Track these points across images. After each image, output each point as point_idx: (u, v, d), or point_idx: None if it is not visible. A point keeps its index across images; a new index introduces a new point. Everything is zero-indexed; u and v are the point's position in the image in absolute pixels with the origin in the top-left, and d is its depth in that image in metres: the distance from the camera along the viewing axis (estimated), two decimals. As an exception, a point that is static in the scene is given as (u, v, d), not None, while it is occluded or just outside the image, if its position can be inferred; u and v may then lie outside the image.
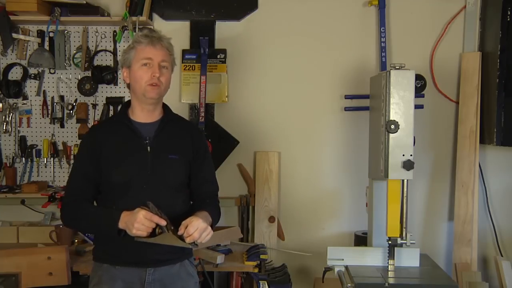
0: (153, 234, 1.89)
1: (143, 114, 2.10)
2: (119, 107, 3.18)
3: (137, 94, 2.07)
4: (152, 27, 3.16)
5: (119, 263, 2.05)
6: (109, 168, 2.04)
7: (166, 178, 2.07)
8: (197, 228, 1.87)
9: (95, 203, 2.12)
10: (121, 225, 1.91)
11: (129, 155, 2.05)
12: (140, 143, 2.06)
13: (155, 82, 2.02)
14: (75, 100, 3.22)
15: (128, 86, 2.12)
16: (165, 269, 2.07)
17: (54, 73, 3.22)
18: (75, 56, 3.21)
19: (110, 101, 3.20)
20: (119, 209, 1.94)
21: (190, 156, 2.13)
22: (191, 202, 2.19)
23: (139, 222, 1.85)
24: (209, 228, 1.92)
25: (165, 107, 2.17)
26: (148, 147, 2.06)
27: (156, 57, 2.03)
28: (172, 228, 1.90)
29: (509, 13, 2.84)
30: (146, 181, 2.03)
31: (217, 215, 2.17)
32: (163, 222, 1.87)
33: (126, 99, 3.18)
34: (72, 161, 3.21)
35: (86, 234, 3.06)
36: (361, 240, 2.93)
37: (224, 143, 3.18)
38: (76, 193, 2.07)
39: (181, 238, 1.89)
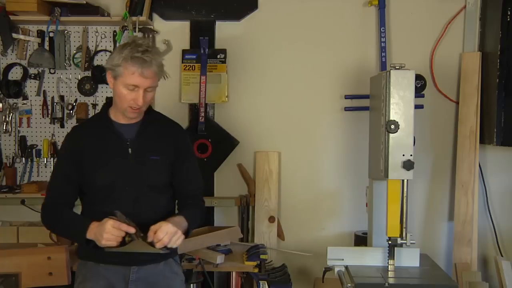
0: (123, 243, 1.89)
1: (124, 117, 2.09)
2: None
3: (118, 107, 2.06)
4: (152, 27, 3.16)
5: (103, 261, 2.05)
6: (91, 171, 2.05)
7: (148, 179, 2.07)
8: (166, 233, 1.87)
9: (81, 202, 2.15)
10: (90, 235, 1.92)
11: (110, 157, 2.05)
12: (122, 145, 2.06)
13: (136, 107, 2.00)
14: (75, 100, 3.22)
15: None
16: (149, 267, 2.08)
17: (54, 73, 3.22)
18: (75, 56, 3.21)
19: (110, 101, 3.19)
20: (88, 219, 1.96)
21: (172, 156, 2.13)
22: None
23: (108, 232, 1.86)
24: (179, 232, 1.91)
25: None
26: (130, 149, 2.06)
27: (142, 84, 1.97)
28: (141, 235, 1.90)
29: (509, 13, 2.84)
30: (128, 183, 2.04)
31: (198, 215, 2.16)
32: (132, 230, 1.88)
33: (126, 99, 3.20)
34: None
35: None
36: (361, 240, 2.93)
37: (224, 143, 3.18)
38: (56, 196, 2.08)
39: (152, 244, 1.89)
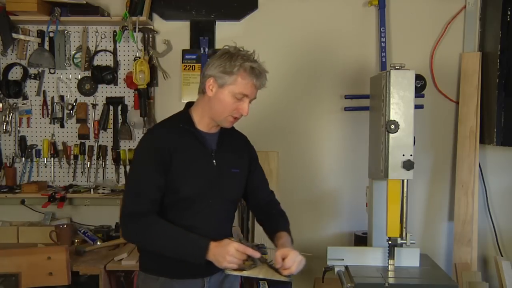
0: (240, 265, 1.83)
1: (208, 126, 2.00)
2: (119, 107, 3.18)
3: (215, 116, 1.96)
4: (152, 27, 3.16)
5: (177, 276, 1.96)
6: (177, 179, 1.91)
7: (228, 192, 2.03)
8: (294, 261, 1.84)
9: None
10: (210, 257, 1.82)
11: (198, 168, 1.95)
12: (207, 156, 1.98)
13: (238, 117, 1.97)
14: (75, 100, 3.22)
15: (202, 91, 1.97)
16: (217, 274, 2.05)
17: (54, 73, 3.22)
18: (75, 56, 3.21)
19: (110, 101, 3.20)
20: (204, 238, 1.85)
21: (247, 169, 2.11)
22: (250, 211, 2.24)
23: (232, 255, 1.78)
24: (304, 259, 1.88)
25: None
26: (214, 160, 1.98)
27: (252, 94, 1.94)
28: (266, 260, 1.85)
29: (509, 13, 2.84)
30: (211, 196, 1.97)
31: (289, 223, 2.16)
32: (257, 254, 1.82)
33: (126, 99, 3.20)
34: (72, 161, 3.22)
35: (86, 234, 3.07)
36: (361, 240, 2.93)
37: (224, 143, 3.18)
38: (149, 204, 1.88)
39: (277, 270, 1.84)
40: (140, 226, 1.86)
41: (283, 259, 1.84)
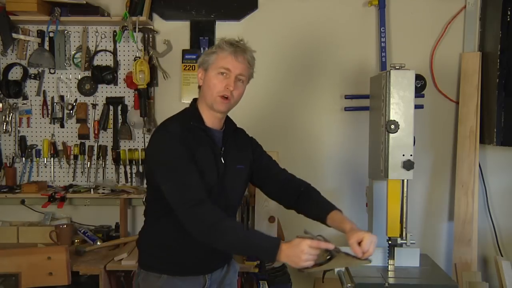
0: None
1: (213, 121, 2.02)
2: (119, 107, 3.18)
3: (207, 101, 1.98)
4: (152, 27, 3.16)
5: (179, 273, 1.99)
6: None
7: (235, 189, 2.06)
8: (371, 243, 1.81)
9: (158, 210, 2.00)
10: (282, 258, 1.77)
11: (211, 166, 1.97)
12: (217, 154, 2.00)
13: (227, 94, 1.94)
14: (75, 100, 3.22)
15: (199, 87, 2.04)
16: (218, 271, 2.08)
17: (54, 73, 3.22)
18: (75, 56, 3.21)
19: (110, 101, 3.20)
20: (274, 237, 1.84)
21: (251, 159, 2.13)
22: (275, 200, 2.22)
23: (307, 253, 1.73)
24: (376, 237, 1.84)
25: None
26: (222, 158, 2.01)
27: (235, 69, 1.94)
28: (340, 249, 1.82)
29: (509, 13, 2.84)
30: (220, 192, 1.98)
31: (321, 194, 2.15)
32: (331, 246, 1.78)
33: (126, 99, 3.20)
34: (72, 161, 3.22)
35: (86, 234, 3.07)
36: (361, 240, 2.92)
37: (224, 143, 3.18)
38: (197, 188, 1.85)
39: (354, 256, 1.82)
40: (209, 217, 1.81)
41: (359, 244, 1.82)
